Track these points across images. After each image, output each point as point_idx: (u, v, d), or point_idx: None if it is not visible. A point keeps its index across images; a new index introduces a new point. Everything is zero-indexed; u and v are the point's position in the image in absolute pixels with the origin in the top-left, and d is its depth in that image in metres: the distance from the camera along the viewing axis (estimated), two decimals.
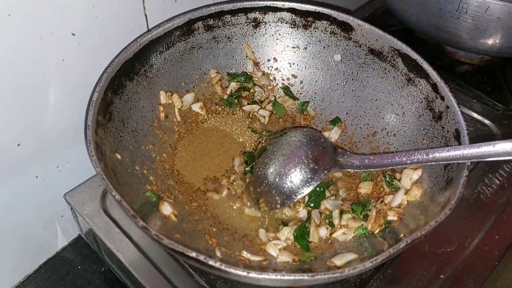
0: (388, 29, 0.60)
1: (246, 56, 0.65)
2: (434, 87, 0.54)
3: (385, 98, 0.60)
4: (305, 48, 0.64)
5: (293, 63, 0.65)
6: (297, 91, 0.66)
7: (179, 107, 0.60)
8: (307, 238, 0.52)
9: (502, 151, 0.45)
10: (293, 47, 0.65)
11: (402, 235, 0.47)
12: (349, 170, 0.54)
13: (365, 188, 0.57)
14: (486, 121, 0.72)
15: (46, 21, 0.46)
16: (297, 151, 0.53)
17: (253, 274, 0.38)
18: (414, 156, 0.50)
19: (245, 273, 0.38)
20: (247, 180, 0.56)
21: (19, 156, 0.53)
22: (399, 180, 0.54)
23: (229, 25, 0.62)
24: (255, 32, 0.64)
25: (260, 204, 0.54)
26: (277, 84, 0.66)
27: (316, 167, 0.52)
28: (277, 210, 0.54)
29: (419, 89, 0.57)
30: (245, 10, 0.61)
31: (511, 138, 0.45)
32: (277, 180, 0.52)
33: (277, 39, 0.65)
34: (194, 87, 0.62)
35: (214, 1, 0.65)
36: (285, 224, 0.53)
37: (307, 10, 0.62)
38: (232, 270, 0.38)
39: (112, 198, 0.41)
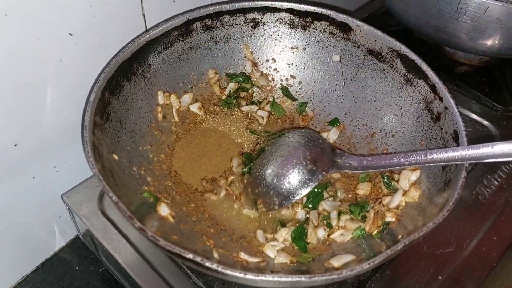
0: (387, 29, 0.60)
1: (245, 57, 0.65)
2: (433, 88, 0.54)
3: (383, 99, 0.60)
4: (304, 49, 0.64)
5: (292, 64, 0.65)
6: (296, 91, 0.66)
7: (177, 107, 0.60)
8: (305, 239, 0.51)
9: (501, 152, 0.45)
10: (291, 48, 0.65)
11: (400, 236, 0.47)
12: (347, 171, 0.54)
13: (363, 189, 0.57)
14: (485, 122, 0.72)
15: (43, 21, 0.46)
16: (295, 152, 0.53)
17: (250, 276, 0.38)
18: (412, 157, 0.50)
19: (242, 275, 0.38)
20: (245, 181, 0.56)
21: (16, 156, 0.53)
22: (397, 181, 0.54)
23: (227, 25, 0.62)
24: (253, 33, 0.64)
25: (258, 205, 0.54)
26: (275, 85, 0.66)
27: (314, 168, 0.52)
28: (275, 211, 0.54)
29: (418, 90, 0.56)
30: (244, 11, 0.61)
31: (510, 139, 0.45)
32: (275, 181, 0.52)
33: (275, 40, 0.64)
34: (192, 87, 0.62)
35: (213, 1, 0.64)
36: (283, 225, 0.53)
37: (305, 11, 0.61)
38: (229, 272, 0.38)
39: (109, 199, 0.41)
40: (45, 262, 0.65)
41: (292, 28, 0.63)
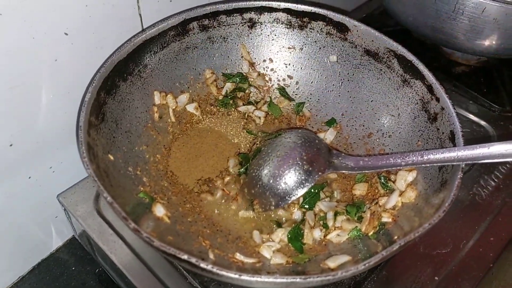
0: (385, 29, 0.60)
1: (242, 57, 0.64)
2: (430, 89, 0.54)
3: (380, 99, 0.60)
4: (301, 49, 0.64)
5: (289, 64, 0.65)
6: (293, 92, 0.66)
7: (174, 107, 0.60)
8: (301, 240, 0.51)
9: (497, 153, 0.45)
10: (288, 48, 0.65)
11: (396, 237, 0.47)
12: (343, 171, 0.54)
13: (360, 190, 0.56)
14: (482, 122, 0.72)
15: (38, 20, 0.46)
16: (291, 152, 0.53)
17: (245, 277, 0.38)
18: (408, 158, 0.50)
19: (237, 276, 0.38)
20: (242, 182, 0.56)
21: (12, 156, 0.53)
22: (393, 182, 0.54)
23: (224, 25, 0.62)
24: (250, 33, 0.63)
25: (255, 205, 0.54)
26: (272, 85, 0.66)
27: (310, 168, 0.52)
28: (271, 212, 0.54)
29: (415, 91, 0.56)
30: (241, 10, 0.61)
31: (507, 140, 0.45)
32: (271, 181, 0.52)
33: (272, 40, 0.64)
34: (189, 87, 0.62)
35: (210, 1, 0.64)
36: (279, 225, 0.53)
37: (302, 11, 0.61)
38: (224, 273, 0.38)
39: (104, 200, 0.41)
40: (41, 263, 0.65)
41: (289, 28, 0.63)
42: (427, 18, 0.69)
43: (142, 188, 0.51)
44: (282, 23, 0.63)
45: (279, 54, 0.65)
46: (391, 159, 0.51)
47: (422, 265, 0.55)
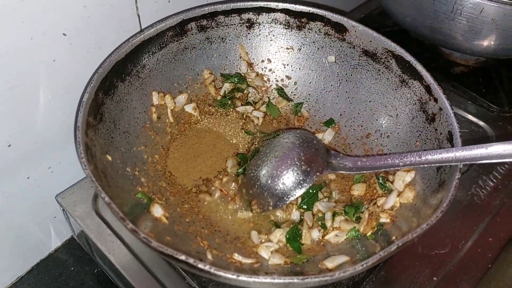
0: (384, 30, 0.60)
1: (240, 57, 0.64)
2: (428, 89, 0.54)
3: (378, 100, 0.60)
4: (299, 49, 0.64)
5: (287, 64, 0.65)
6: (291, 92, 0.66)
7: (172, 108, 0.60)
8: (299, 240, 0.51)
9: (495, 153, 0.45)
10: (287, 48, 0.65)
11: (394, 237, 0.47)
12: (342, 172, 0.54)
13: (358, 190, 0.57)
14: (481, 123, 0.72)
15: (37, 21, 0.46)
16: (289, 153, 0.53)
17: (243, 277, 0.38)
18: (406, 158, 0.50)
19: (234, 276, 0.38)
20: (240, 182, 0.56)
21: (10, 157, 0.53)
22: (392, 182, 0.54)
23: (222, 25, 0.62)
24: (249, 33, 0.63)
25: (253, 206, 0.54)
26: (271, 85, 0.66)
27: (308, 169, 0.52)
28: (269, 212, 0.54)
29: (413, 91, 0.56)
30: (239, 11, 0.61)
31: (505, 140, 0.45)
32: (269, 182, 0.52)
33: (271, 40, 0.64)
34: (187, 88, 0.62)
35: (208, 1, 0.64)
36: (277, 226, 0.53)
37: (301, 11, 0.61)
38: (221, 273, 0.38)
39: (102, 200, 0.41)
40: (40, 263, 0.65)
41: (288, 28, 0.63)
42: (425, 19, 0.69)
43: (140, 189, 0.51)
44: (280, 24, 0.63)
45: (277, 55, 0.65)
46: (389, 159, 0.51)
47: (421, 265, 0.55)
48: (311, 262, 0.48)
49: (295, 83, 0.66)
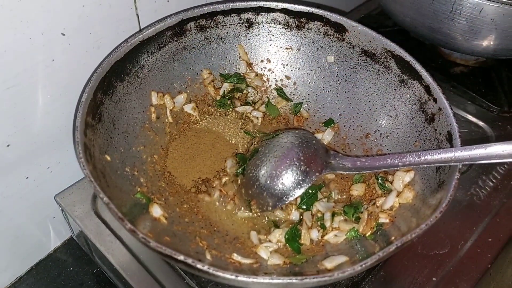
0: (383, 30, 0.60)
1: (239, 57, 0.64)
2: (427, 89, 0.54)
3: (378, 100, 0.60)
4: (299, 49, 0.64)
5: (287, 64, 0.65)
6: (291, 92, 0.66)
7: (171, 108, 0.60)
8: (298, 241, 0.51)
9: (494, 153, 0.45)
10: (286, 48, 0.65)
11: (393, 237, 0.47)
12: (341, 172, 0.54)
13: (357, 190, 0.56)
14: (481, 123, 0.72)
15: (35, 21, 0.46)
16: (288, 153, 0.53)
17: (241, 278, 0.38)
18: (406, 159, 0.50)
19: (233, 277, 0.38)
20: (239, 182, 0.56)
21: (9, 157, 0.53)
22: (391, 183, 0.54)
23: (221, 25, 0.62)
24: (248, 33, 0.63)
25: (252, 206, 0.53)
26: (270, 85, 0.66)
27: (307, 169, 0.52)
28: (269, 212, 0.54)
29: (412, 91, 0.56)
30: (238, 11, 0.61)
31: (505, 140, 0.45)
32: (268, 182, 0.52)
33: (270, 40, 0.64)
34: (186, 88, 0.62)
35: (207, 1, 0.64)
36: (276, 226, 0.53)
37: (300, 11, 0.61)
38: (220, 274, 0.38)
39: (100, 200, 0.41)
40: (39, 263, 0.65)
41: (287, 28, 0.63)
42: (425, 19, 0.69)
43: (139, 189, 0.51)
44: (279, 24, 0.63)
45: (276, 55, 0.65)
46: (388, 159, 0.51)
47: (420, 265, 0.54)
48: (310, 262, 0.48)
49: (295, 83, 0.65)
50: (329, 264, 0.46)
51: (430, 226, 0.42)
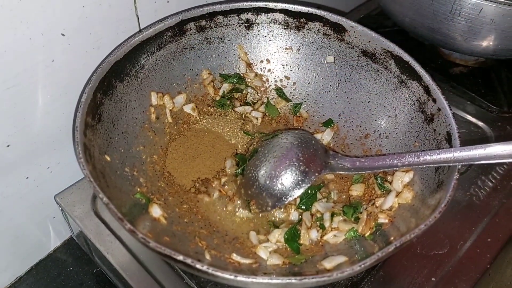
0: (383, 30, 0.60)
1: (239, 57, 0.64)
2: (426, 89, 0.54)
3: (377, 100, 0.60)
4: (298, 50, 0.64)
5: (286, 65, 0.65)
6: (290, 92, 0.66)
7: (171, 108, 0.60)
8: (297, 241, 0.51)
9: (494, 154, 0.45)
10: (286, 49, 0.65)
11: (392, 238, 0.47)
12: (340, 172, 0.54)
13: (357, 191, 0.57)
14: (480, 123, 0.72)
15: (35, 21, 0.46)
16: (288, 153, 0.53)
17: (240, 278, 0.38)
18: (405, 159, 0.50)
19: (232, 277, 0.38)
20: (238, 182, 0.56)
21: (9, 157, 0.53)
22: (390, 183, 0.54)
23: (221, 26, 0.62)
24: (247, 33, 0.63)
25: (251, 206, 0.54)
26: (270, 86, 0.66)
27: (306, 169, 0.52)
28: (268, 213, 0.54)
29: (412, 91, 0.56)
30: (238, 11, 0.61)
31: (504, 141, 0.45)
32: (267, 182, 0.52)
33: (270, 40, 0.64)
34: (186, 88, 0.62)
35: (207, 1, 0.64)
36: (276, 226, 0.53)
37: (299, 11, 0.61)
38: (219, 274, 0.38)
39: (100, 200, 0.41)
40: (39, 263, 0.65)
41: (286, 29, 0.63)
42: (424, 19, 0.69)
43: (138, 189, 0.51)
44: (279, 24, 0.63)
45: (276, 55, 0.65)
46: (387, 160, 0.51)
47: (419, 266, 0.55)
48: (309, 263, 0.48)
49: (294, 83, 0.66)
50: (328, 264, 0.46)
51: (429, 226, 0.42)
